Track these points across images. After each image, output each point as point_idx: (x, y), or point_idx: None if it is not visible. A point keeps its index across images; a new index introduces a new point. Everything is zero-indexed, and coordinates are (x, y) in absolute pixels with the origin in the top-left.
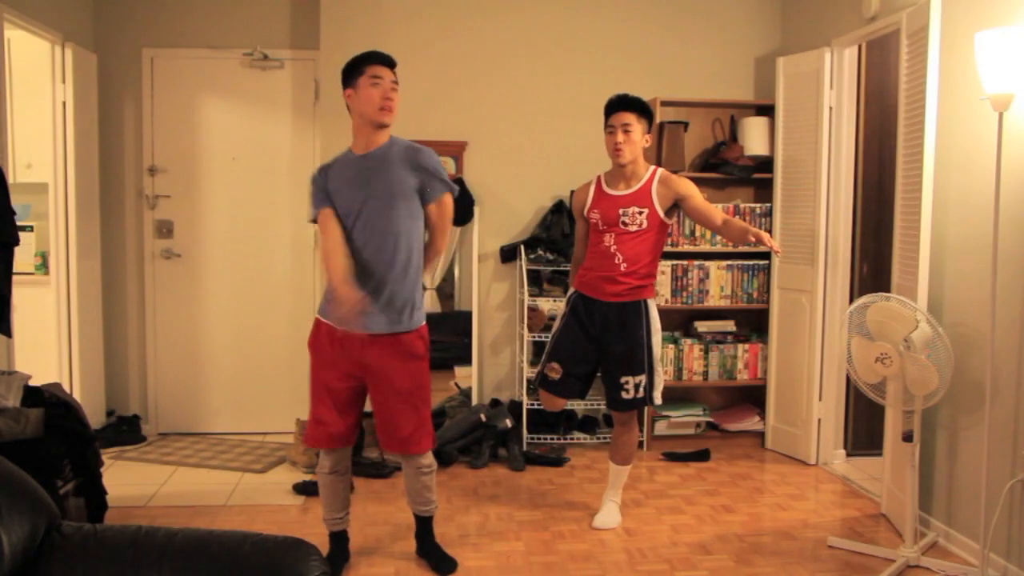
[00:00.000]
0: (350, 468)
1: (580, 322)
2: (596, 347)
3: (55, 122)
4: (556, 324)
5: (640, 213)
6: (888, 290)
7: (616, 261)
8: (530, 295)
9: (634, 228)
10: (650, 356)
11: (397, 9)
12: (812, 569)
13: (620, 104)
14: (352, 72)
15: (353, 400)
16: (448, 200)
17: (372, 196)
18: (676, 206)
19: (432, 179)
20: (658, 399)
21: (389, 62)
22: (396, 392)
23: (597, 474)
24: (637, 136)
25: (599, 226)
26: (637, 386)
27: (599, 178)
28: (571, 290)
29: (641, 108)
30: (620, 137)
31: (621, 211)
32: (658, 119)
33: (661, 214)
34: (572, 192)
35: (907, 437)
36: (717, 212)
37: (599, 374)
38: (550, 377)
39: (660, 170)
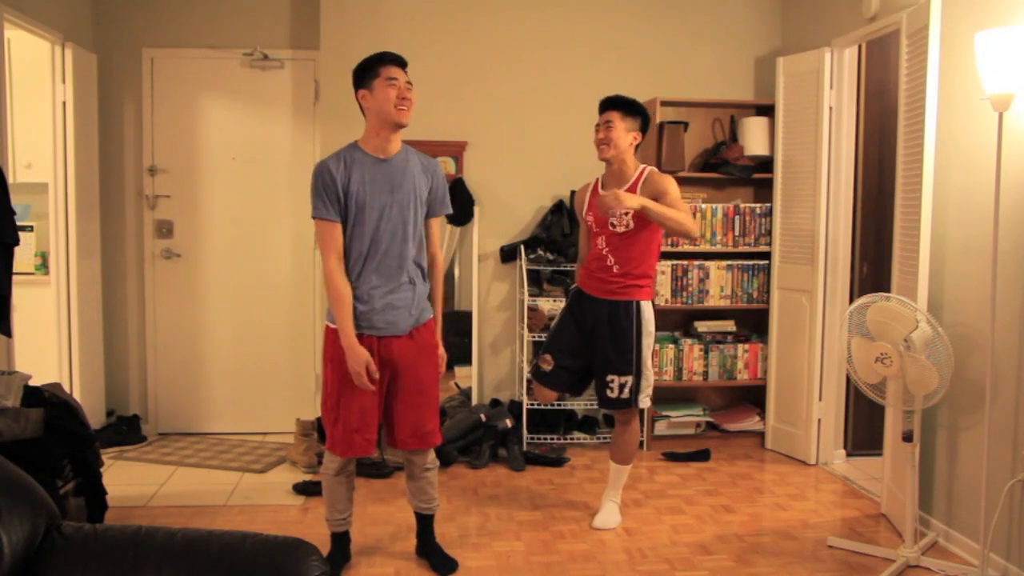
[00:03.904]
0: (355, 469)
1: (575, 317)
2: (589, 343)
3: (55, 122)
4: (556, 318)
5: (626, 214)
6: (888, 290)
7: (608, 263)
8: (530, 295)
9: (622, 229)
10: (639, 358)
11: (397, 9)
12: (812, 569)
13: (604, 103)
14: (366, 73)
15: (382, 403)
16: (443, 221)
17: (399, 202)
18: None
19: (441, 196)
20: (643, 403)
21: (402, 62)
22: (422, 385)
23: (597, 474)
24: (618, 133)
25: (593, 228)
26: (622, 386)
27: (598, 180)
28: (573, 286)
29: (626, 107)
30: (600, 133)
31: (611, 213)
32: (658, 119)
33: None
34: (572, 192)
35: (907, 437)
36: (681, 213)
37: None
38: (542, 368)
39: (649, 169)
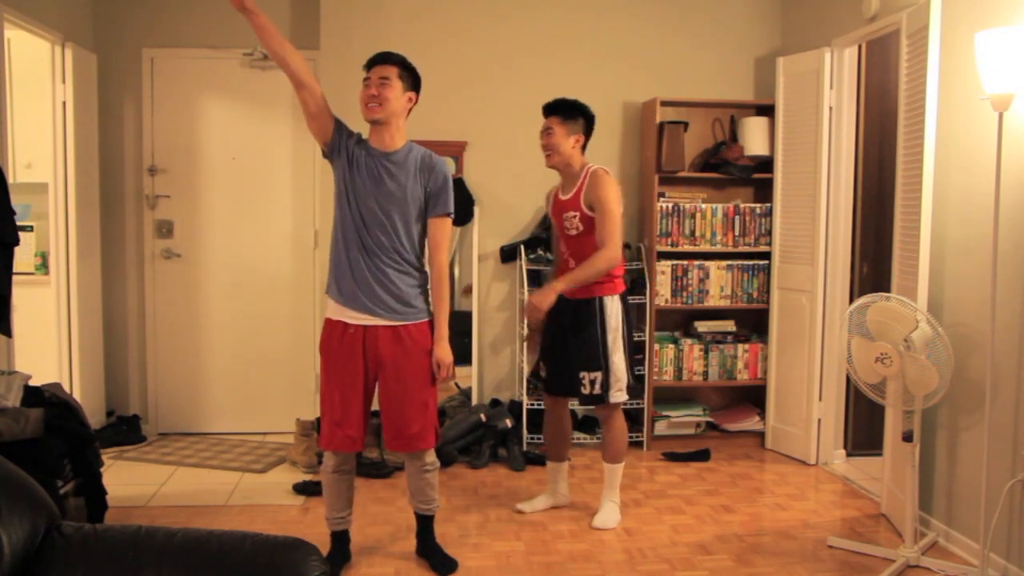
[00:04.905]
0: (354, 467)
1: (555, 320)
2: (562, 343)
3: (55, 122)
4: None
5: (574, 217)
6: (888, 290)
7: (571, 265)
8: (531, 294)
9: (573, 232)
10: (605, 353)
11: (397, 9)
12: (812, 569)
13: (544, 109)
14: None
15: (367, 399)
16: (445, 221)
17: (385, 196)
18: None
19: (436, 194)
20: (615, 398)
21: (376, 60)
22: (406, 387)
23: (597, 474)
24: (558, 139)
25: (556, 232)
26: (593, 382)
27: (560, 183)
28: None
29: (564, 111)
30: (543, 141)
31: (564, 216)
32: (658, 119)
33: (590, 214)
34: None
35: (907, 437)
36: (601, 250)
37: None
38: (540, 375)
39: (591, 172)
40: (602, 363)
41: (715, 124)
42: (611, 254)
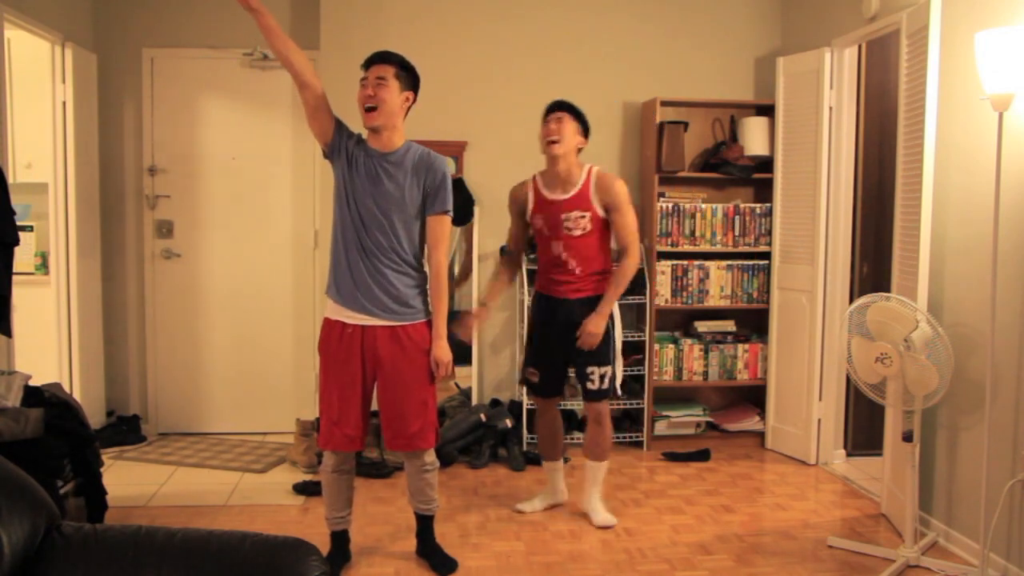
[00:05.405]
0: (354, 467)
1: (545, 323)
2: (563, 343)
3: (55, 122)
4: (527, 328)
5: (582, 217)
6: (888, 290)
7: (571, 267)
8: (530, 295)
9: (578, 232)
10: (613, 348)
11: (397, 9)
12: (812, 569)
13: (555, 103)
14: None
15: (366, 399)
16: (444, 220)
17: (383, 197)
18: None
19: (434, 193)
20: (620, 390)
21: (372, 60)
22: (405, 386)
23: None
24: (568, 131)
25: (544, 232)
26: (603, 377)
27: (536, 180)
28: (533, 292)
29: (574, 112)
30: (552, 125)
31: (564, 216)
32: (658, 119)
33: (602, 214)
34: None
35: (907, 437)
36: (629, 250)
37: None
38: (531, 381)
39: (596, 170)
40: (611, 358)
41: (715, 124)
42: (639, 256)
